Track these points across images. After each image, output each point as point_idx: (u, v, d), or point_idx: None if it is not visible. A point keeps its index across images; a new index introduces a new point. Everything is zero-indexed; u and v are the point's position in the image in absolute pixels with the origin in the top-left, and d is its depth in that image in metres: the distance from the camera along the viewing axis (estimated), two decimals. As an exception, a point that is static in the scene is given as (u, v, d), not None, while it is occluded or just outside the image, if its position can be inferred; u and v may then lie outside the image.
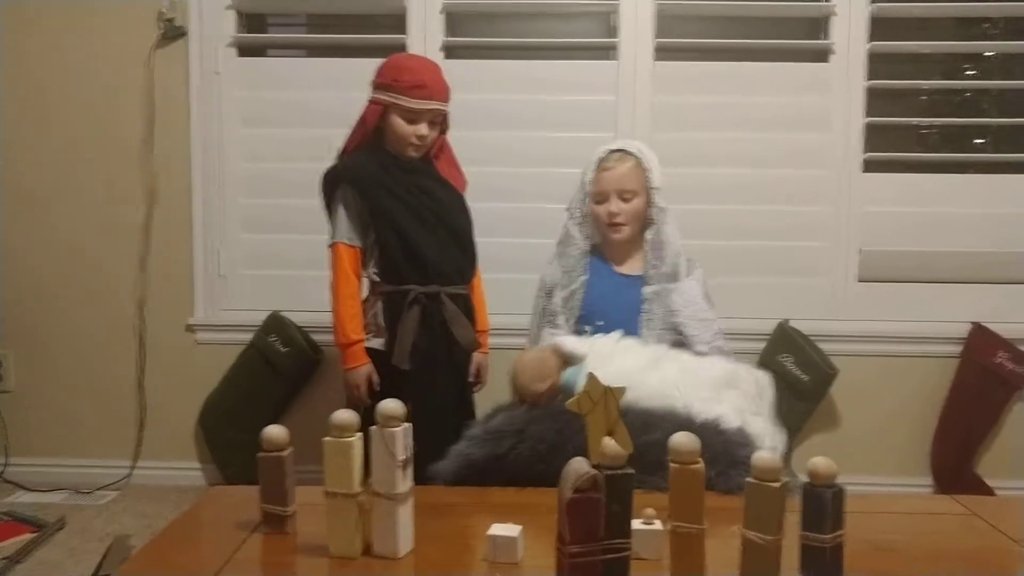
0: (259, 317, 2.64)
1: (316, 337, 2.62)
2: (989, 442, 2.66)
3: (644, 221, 1.92)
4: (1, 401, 2.78)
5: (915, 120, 2.71)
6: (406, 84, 1.91)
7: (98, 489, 2.68)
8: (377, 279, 1.99)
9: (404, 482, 1.02)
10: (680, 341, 1.83)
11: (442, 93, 1.96)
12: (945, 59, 2.75)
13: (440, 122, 2.00)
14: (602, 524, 0.89)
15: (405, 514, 1.04)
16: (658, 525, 1.01)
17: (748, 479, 0.92)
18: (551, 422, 1.38)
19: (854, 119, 2.61)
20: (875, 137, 2.63)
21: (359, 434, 1.03)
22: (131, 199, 2.71)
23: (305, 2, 2.79)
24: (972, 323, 2.61)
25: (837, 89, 2.61)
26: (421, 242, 1.94)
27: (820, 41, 2.63)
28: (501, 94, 2.63)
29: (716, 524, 0.95)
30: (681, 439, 0.94)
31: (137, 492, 2.67)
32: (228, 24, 2.67)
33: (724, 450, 1.34)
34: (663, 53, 2.62)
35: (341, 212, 1.96)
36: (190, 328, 2.74)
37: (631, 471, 0.92)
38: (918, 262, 2.64)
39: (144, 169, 2.70)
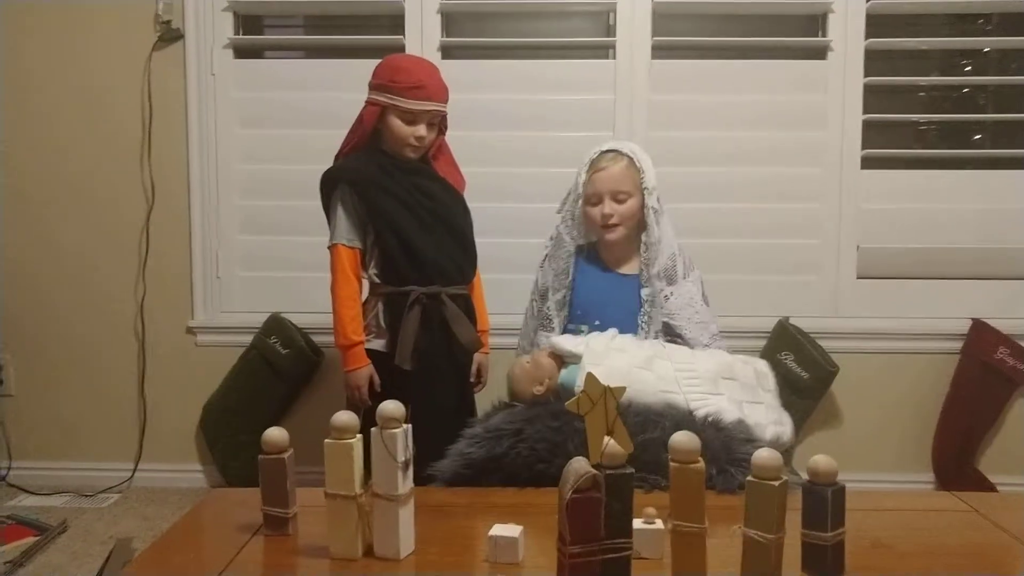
0: (259, 319, 2.64)
1: (316, 339, 2.62)
2: (990, 438, 2.67)
3: (639, 221, 1.92)
4: (2, 405, 2.78)
5: (913, 116, 2.71)
6: (404, 85, 1.90)
7: (100, 492, 2.68)
8: (377, 280, 1.98)
9: (405, 483, 1.02)
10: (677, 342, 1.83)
11: (440, 94, 1.95)
12: (942, 55, 2.75)
13: (439, 123, 2.00)
14: (603, 524, 0.89)
15: (406, 515, 1.04)
16: (659, 524, 1.01)
17: (749, 478, 0.92)
18: (550, 421, 1.38)
19: (852, 116, 2.61)
20: (873, 134, 2.64)
21: (359, 436, 1.03)
22: (129, 201, 2.71)
23: (302, 3, 2.79)
24: (972, 319, 2.61)
25: (834, 86, 2.61)
26: (421, 242, 1.93)
27: (817, 38, 2.63)
28: (498, 94, 2.63)
29: (717, 523, 0.95)
30: (681, 438, 0.94)
31: (139, 495, 2.68)
32: (225, 26, 2.67)
33: (724, 446, 1.35)
34: (660, 51, 2.62)
35: (340, 213, 1.95)
36: (190, 330, 2.74)
37: (631, 470, 0.92)
38: (917, 259, 2.64)
39: (142, 171, 2.70)
